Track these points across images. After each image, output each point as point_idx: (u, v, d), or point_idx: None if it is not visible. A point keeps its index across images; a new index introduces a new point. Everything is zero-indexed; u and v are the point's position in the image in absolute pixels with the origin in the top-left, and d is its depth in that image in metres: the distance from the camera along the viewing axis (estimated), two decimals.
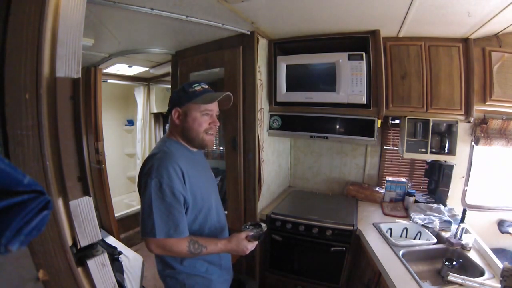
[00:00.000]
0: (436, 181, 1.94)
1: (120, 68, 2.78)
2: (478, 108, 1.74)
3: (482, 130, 1.88)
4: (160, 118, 3.70)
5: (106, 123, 2.34)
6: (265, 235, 1.13)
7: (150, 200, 0.95)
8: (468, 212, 1.52)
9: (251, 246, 1.08)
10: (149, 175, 0.96)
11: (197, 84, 1.09)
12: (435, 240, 1.51)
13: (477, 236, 1.51)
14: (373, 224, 1.73)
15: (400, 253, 1.39)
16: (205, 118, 1.08)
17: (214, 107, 1.10)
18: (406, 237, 1.71)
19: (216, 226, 1.15)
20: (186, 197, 1.01)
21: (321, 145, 2.41)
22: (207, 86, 1.11)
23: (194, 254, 1.01)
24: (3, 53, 0.55)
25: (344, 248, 1.73)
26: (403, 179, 2.10)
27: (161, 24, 1.59)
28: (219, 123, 1.12)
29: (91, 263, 0.72)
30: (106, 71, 2.72)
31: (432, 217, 1.70)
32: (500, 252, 1.81)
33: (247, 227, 1.14)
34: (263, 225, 1.13)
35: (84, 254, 0.71)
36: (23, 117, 0.57)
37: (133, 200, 3.68)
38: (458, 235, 1.46)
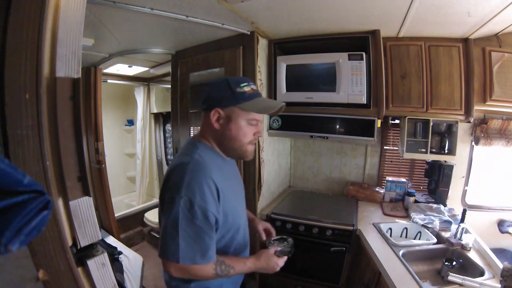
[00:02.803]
0: (436, 181, 1.94)
1: (120, 68, 2.78)
2: (478, 108, 1.73)
3: (482, 130, 1.88)
4: (160, 118, 3.70)
5: (106, 123, 2.34)
6: (293, 249, 1.05)
7: (177, 221, 0.80)
8: (468, 212, 1.52)
9: (281, 262, 1.00)
10: (178, 191, 0.80)
11: (246, 84, 0.90)
12: (435, 240, 1.51)
13: (477, 236, 1.51)
14: (373, 224, 1.73)
15: (400, 253, 1.39)
16: (251, 128, 0.92)
17: (260, 117, 0.93)
18: (406, 237, 1.71)
19: (241, 244, 1.03)
20: (218, 218, 0.87)
21: (321, 145, 2.41)
22: (255, 87, 0.93)
23: (220, 277, 0.89)
24: (3, 53, 0.55)
25: (344, 248, 1.73)
26: (403, 179, 2.10)
27: (161, 24, 1.59)
28: (262, 132, 1.01)
29: (91, 263, 0.72)
30: (106, 71, 2.72)
31: (432, 217, 1.70)
32: (500, 252, 1.81)
33: (272, 242, 1.06)
34: (289, 239, 1.06)
35: (84, 254, 0.71)
36: (23, 117, 0.57)
37: (133, 200, 3.68)
38: (458, 235, 1.46)
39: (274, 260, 0.98)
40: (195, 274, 0.87)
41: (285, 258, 1.02)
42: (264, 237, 1.17)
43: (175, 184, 0.82)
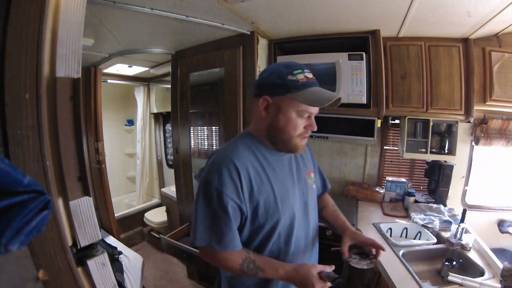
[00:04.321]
0: (436, 181, 1.94)
1: (120, 68, 2.78)
2: (478, 108, 1.73)
3: (482, 130, 1.88)
4: (160, 118, 3.70)
5: (106, 123, 2.34)
6: (356, 277, 0.89)
7: (197, 201, 0.82)
8: (468, 212, 1.52)
9: (321, 286, 0.82)
10: (202, 174, 0.84)
11: (300, 71, 0.82)
12: (435, 240, 1.51)
13: (477, 236, 1.51)
14: (373, 224, 1.73)
15: (400, 253, 1.39)
16: (302, 121, 0.84)
17: (316, 110, 0.86)
18: (406, 237, 1.71)
19: (281, 249, 0.91)
20: (241, 207, 0.81)
21: (321, 145, 2.41)
22: (311, 75, 0.84)
23: (246, 274, 0.84)
24: (3, 53, 0.55)
25: None
26: (403, 179, 2.10)
27: (161, 24, 1.59)
28: (315, 127, 0.87)
29: (91, 263, 0.72)
30: (106, 71, 2.72)
31: (432, 217, 1.70)
32: (500, 252, 1.81)
33: (353, 256, 0.92)
34: (374, 259, 0.90)
35: (84, 254, 0.71)
36: (23, 117, 0.57)
37: (133, 200, 3.68)
38: (458, 235, 1.46)
39: (312, 281, 0.82)
40: (220, 263, 0.85)
41: (328, 284, 0.85)
42: (346, 254, 0.95)
43: (202, 169, 0.85)
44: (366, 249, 0.95)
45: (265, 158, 0.88)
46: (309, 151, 1.09)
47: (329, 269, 0.82)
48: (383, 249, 0.93)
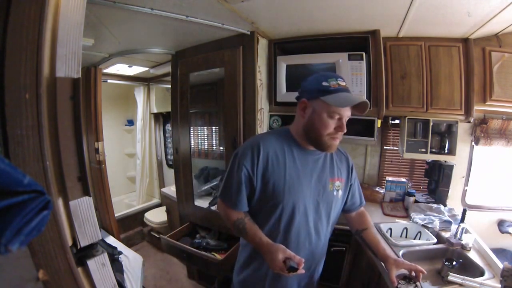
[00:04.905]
0: (436, 181, 1.94)
1: (120, 68, 2.78)
2: (478, 108, 1.73)
3: (482, 130, 1.88)
4: (160, 118, 3.70)
5: (106, 123, 2.34)
6: None
7: (228, 166, 1.03)
8: (468, 212, 1.52)
9: (281, 270, 0.89)
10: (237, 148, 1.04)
11: (334, 79, 0.96)
12: (435, 240, 1.51)
13: (477, 236, 1.51)
14: (373, 224, 1.73)
15: (400, 253, 1.39)
16: (332, 121, 0.96)
17: (345, 112, 0.96)
18: (406, 237, 1.71)
19: (275, 233, 1.01)
20: (252, 178, 0.98)
21: None
22: (344, 83, 0.97)
23: (235, 230, 1.01)
24: (3, 53, 0.55)
25: (344, 248, 1.73)
26: (403, 179, 2.10)
27: (161, 24, 1.59)
28: (345, 129, 0.98)
29: (91, 263, 0.72)
30: (106, 71, 2.72)
31: (432, 217, 1.70)
32: (500, 252, 1.81)
33: (400, 282, 1.02)
34: (418, 282, 1.01)
35: (84, 254, 0.71)
36: (23, 117, 0.57)
37: (133, 200, 3.68)
38: (458, 235, 1.46)
39: (274, 261, 0.90)
40: (224, 214, 1.05)
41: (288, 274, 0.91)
42: (395, 283, 1.05)
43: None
44: (413, 278, 1.06)
45: (291, 150, 1.02)
46: (347, 163, 1.15)
47: (297, 259, 0.89)
48: (424, 272, 1.04)
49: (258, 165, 0.97)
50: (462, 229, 1.46)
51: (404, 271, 1.10)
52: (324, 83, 0.94)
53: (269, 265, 0.93)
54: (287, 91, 1.94)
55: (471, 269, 1.33)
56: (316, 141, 0.99)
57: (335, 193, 1.08)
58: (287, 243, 1.00)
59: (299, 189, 1.00)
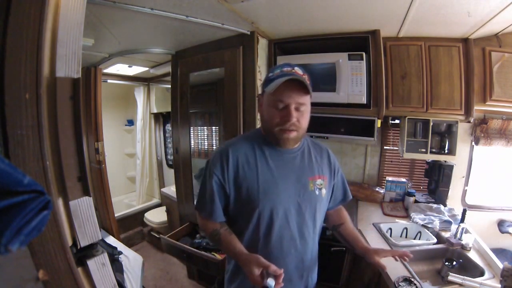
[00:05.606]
0: (436, 181, 1.94)
1: (120, 68, 2.78)
2: (478, 108, 1.73)
3: (482, 130, 1.88)
4: (160, 118, 3.70)
5: (106, 123, 2.34)
6: None
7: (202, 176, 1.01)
8: (468, 212, 1.52)
9: (256, 281, 0.81)
10: None
11: (280, 68, 0.91)
12: (435, 240, 1.51)
13: (477, 236, 1.51)
14: (373, 224, 1.73)
15: None
16: (277, 111, 0.89)
17: (287, 99, 0.87)
18: (406, 237, 1.71)
19: (255, 240, 0.95)
20: (225, 185, 0.94)
21: None
22: (289, 68, 0.90)
23: (212, 241, 1.00)
24: (3, 53, 0.55)
25: (344, 248, 1.73)
26: (403, 179, 2.10)
27: (161, 24, 1.59)
28: (293, 118, 0.87)
29: (91, 263, 0.72)
30: (106, 71, 2.72)
31: (432, 217, 1.70)
32: (500, 252, 1.81)
33: (401, 285, 1.03)
34: (418, 284, 1.03)
35: (84, 254, 0.71)
36: (23, 117, 0.57)
37: (133, 200, 3.68)
38: (458, 235, 1.46)
39: (252, 277, 0.82)
40: (200, 224, 1.03)
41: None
42: (384, 267, 0.99)
43: (202, 169, 1.01)
44: (413, 280, 1.09)
45: (262, 152, 0.96)
46: (327, 158, 1.07)
47: (272, 269, 0.79)
48: (409, 256, 0.97)
49: (229, 172, 0.92)
50: (462, 229, 1.46)
51: (403, 272, 1.10)
52: (270, 74, 0.91)
53: (248, 276, 0.84)
54: None
55: (471, 269, 1.33)
56: (271, 136, 0.94)
57: (317, 192, 0.99)
58: (269, 251, 0.94)
59: (275, 191, 0.93)
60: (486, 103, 1.71)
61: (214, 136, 2.30)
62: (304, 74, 0.91)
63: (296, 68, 0.91)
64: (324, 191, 1.02)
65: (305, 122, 0.92)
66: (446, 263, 1.31)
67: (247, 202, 0.93)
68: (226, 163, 0.93)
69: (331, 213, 1.18)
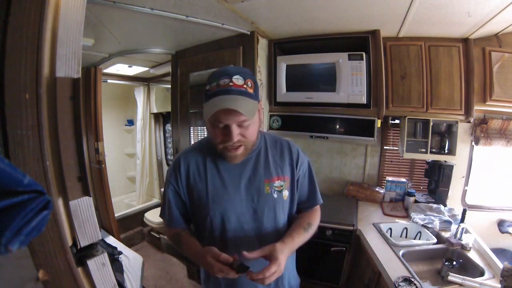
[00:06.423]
0: (436, 181, 1.94)
1: (120, 68, 2.78)
2: (478, 108, 1.74)
3: (482, 130, 1.88)
4: (160, 118, 3.70)
5: (106, 123, 2.34)
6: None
7: None
8: (468, 212, 1.52)
9: (218, 268, 0.76)
10: None
11: (216, 79, 0.79)
12: (435, 240, 1.51)
13: (477, 236, 1.51)
14: (373, 224, 1.73)
15: (400, 253, 1.39)
16: (218, 130, 0.82)
17: (224, 120, 0.79)
18: (406, 237, 1.71)
19: (211, 241, 0.92)
20: (179, 192, 0.96)
21: (321, 145, 2.41)
22: (227, 81, 0.78)
23: (174, 245, 1.00)
24: (3, 53, 0.55)
25: (344, 248, 1.73)
26: (403, 179, 2.10)
27: (161, 24, 1.59)
28: (235, 138, 0.80)
29: (91, 263, 0.72)
30: (106, 71, 2.72)
31: (432, 217, 1.70)
32: (500, 252, 1.81)
33: (401, 285, 1.06)
34: (418, 284, 1.05)
35: (84, 254, 0.71)
36: (23, 117, 0.57)
37: (133, 200, 3.68)
38: (458, 235, 1.46)
39: (211, 266, 0.77)
40: (164, 231, 1.03)
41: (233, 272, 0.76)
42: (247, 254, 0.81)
43: None
44: (413, 280, 1.09)
45: (213, 159, 0.94)
46: (289, 157, 0.98)
47: (224, 257, 0.76)
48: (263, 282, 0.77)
49: (181, 179, 0.94)
50: (462, 229, 1.46)
51: (403, 272, 1.10)
52: (208, 87, 0.81)
53: (210, 271, 0.79)
54: (287, 91, 1.94)
55: (471, 269, 1.33)
56: (217, 150, 0.88)
57: (275, 195, 0.93)
58: (228, 251, 0.84)
59: (225, 198, 0.90)
60: (486, 103, 1.72)
61: None
62: (247, 80, 0.80)
63: (235, 78, 0.78)
64: (285, 192, 0.96)
65: (252, 133, 0.85)
66: (446, 263, 1.31)
67: (198, 208, 0.95)
68: (178, 171, 0.95)
69: (304, 216, 1.04)
